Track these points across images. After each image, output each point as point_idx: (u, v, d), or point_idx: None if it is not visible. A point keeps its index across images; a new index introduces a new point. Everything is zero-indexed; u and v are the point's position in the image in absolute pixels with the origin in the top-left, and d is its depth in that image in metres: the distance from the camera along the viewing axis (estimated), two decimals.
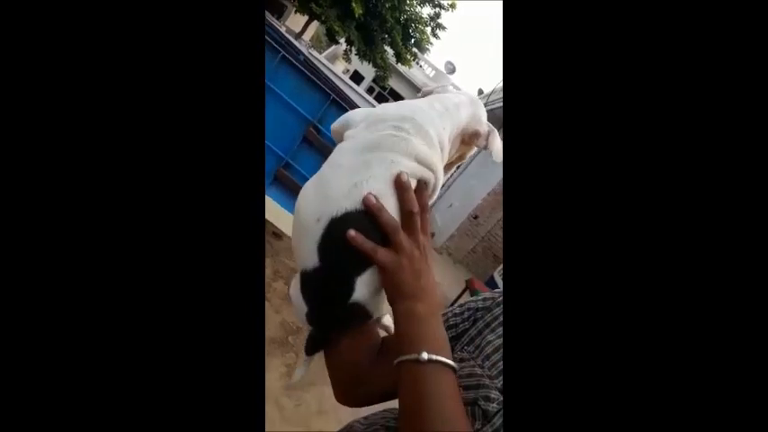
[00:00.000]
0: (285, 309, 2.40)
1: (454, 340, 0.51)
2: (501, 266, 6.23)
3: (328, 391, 0.51)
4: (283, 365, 2.00)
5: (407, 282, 0.41)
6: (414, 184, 0.43)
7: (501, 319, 0.48)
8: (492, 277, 6.03)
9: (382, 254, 0.41)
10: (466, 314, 0.53)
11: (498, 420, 0.39)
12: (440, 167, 0.45)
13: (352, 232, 0.39)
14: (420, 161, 0.43)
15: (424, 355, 0.37)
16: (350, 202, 0.40)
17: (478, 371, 0.44)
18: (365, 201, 0.40)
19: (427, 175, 0.43)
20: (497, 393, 0.41)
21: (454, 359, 0.46)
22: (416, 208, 0.42)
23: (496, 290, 0.53)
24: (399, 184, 0.41)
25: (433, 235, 8.20)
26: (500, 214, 6.79)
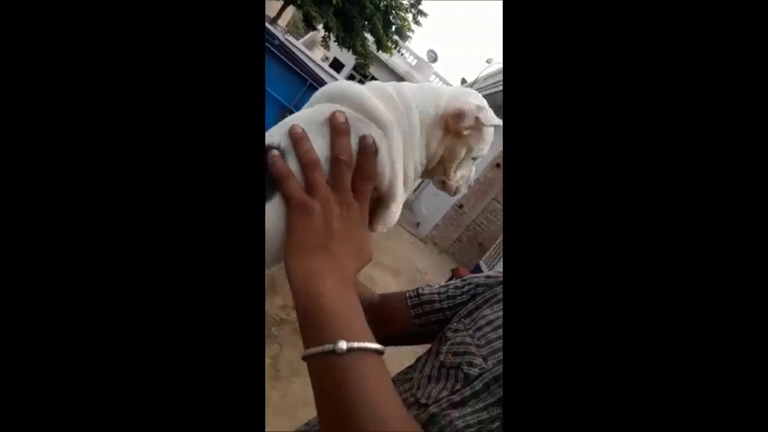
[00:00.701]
0: (268, 300, 2.36)
1: (451, 310, 0.51)
2: (486, 255, 6.30)
3: None
4: (268, 357, 1.98)
5: (312, 233, 0.34)
6: (354, 140, 0.35)
7: (500, 296, 0.47)
8: (478, 266, 6.09)
9: (294, 185, 0.34)
10: (466, 288, 0.52)
11: (478, 384, 0.38)
12: (398, 142, 0.37)
13: (274, 151, 0.34)
14: (369, 116, 0.36)
15: (342, 345, 0.30)
16: (278, 135, 0.35)
17: (468, 340, 0.43)
18: (290, 130, 0.34)
19: (376, 134, 0.36)
20: (481, 360, 0.40)
21: (450, 329, 0.47)
22: (346, 156, 0.34)
23: (500, 270, 0.52)
24: (333, 124, 0.35)
25: (417, 225, 8.26)
26: (485, 203, 6.85)
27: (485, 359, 0.40)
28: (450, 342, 0.45)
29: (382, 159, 0.36)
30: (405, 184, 0.39)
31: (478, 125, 0.38)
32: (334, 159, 0.34)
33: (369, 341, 0.31)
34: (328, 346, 0.30)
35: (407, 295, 0.54)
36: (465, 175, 0.44)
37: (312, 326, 0.32)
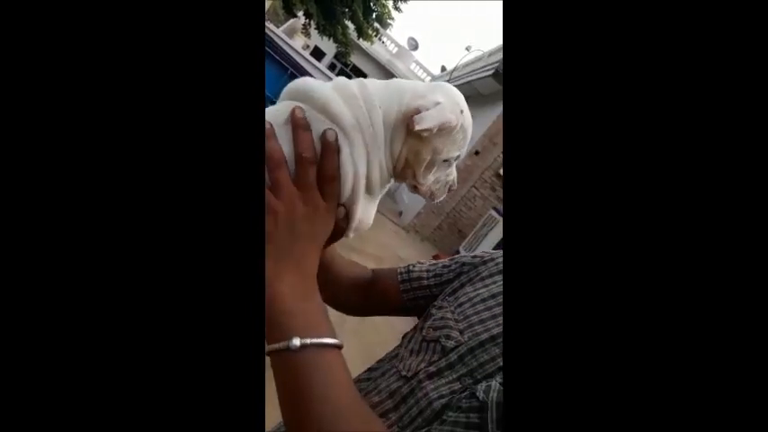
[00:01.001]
0: None
1: (438, 288, 0.53)
2: (465, 241, 6.46)
3: None
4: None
5: (274, 235, 0.34)
6: (317, 139, 0.35)
7: (482, 275, 0.49)
8: (457, 251, 6.27)
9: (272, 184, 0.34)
10: (453, 266, 0.54)
11: (454, 356, 0.41)
12: (359, 144, 0.36)
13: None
14: (331, 117, 0.36)
15: (296, 342, 0.31)
16: None
17: (449, 315, 0.45)
18: None
19: (338, 135, 0.35)
20: (458, 333, 0.42)
21: (435, 306, 0.49)
22: (309, 153, 0.34)
23: (486, 251, 0.54)
24: (293, 120, 0.35)
25: (400, 214, 8.31)
26: (464, 191, 6.97)
27: (461, 333, 0.42)
28: (432, 318, 0.47)
29: (344, 162, 0.36)
30: (370, 187, 0.38)
31: (443, 127, 0.36)
32: (298, 157, 0.34)
33: (326, 337, 0.32)
34: (283, 344, 0.31)
35: (399, 271, 0.56)
36: (440, 178, 0.42)
37: (272, 325, 0.32)
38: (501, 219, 5.69)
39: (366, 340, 2.60)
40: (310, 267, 0.36)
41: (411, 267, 0.57)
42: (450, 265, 0.55)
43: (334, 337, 0.34)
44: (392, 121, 0.37)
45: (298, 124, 0.35)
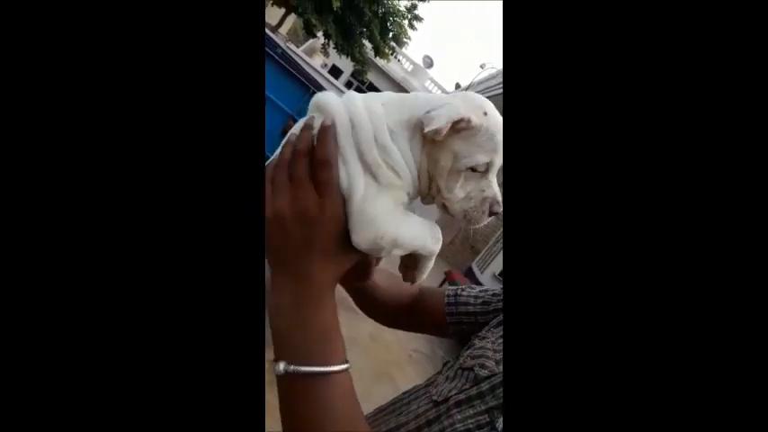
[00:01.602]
0: None
1: (483, 316, 0.52)
2: (478, 257, 6.39)
3: None
4: (268, 362, 2.01)
5: (271, 249, 0.33)
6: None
7: None
8: (470, 268, 6.20)
9: (266, 197, 0.33)
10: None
11: (485, 386, 0.40)
12: (350, 143, 0.34)
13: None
14: (324, 113, 0.35)
15: (281, 367, 0.31)
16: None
17: (488, 345, 0.45)
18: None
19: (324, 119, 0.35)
20: (493, 364, 0.42)
21: (478, 336, 0.48)
22: (302, 145, 0.33)
23: None
24: (303, 124, 0.35)
25: None
26: None
27: (497, 363, 0.41)
28: (473, 347, 0.47)
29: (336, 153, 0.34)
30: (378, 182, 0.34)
31: (459, 126, 0.33)
32: (294, 151, 0.33)
33: (317, 363, 0.31)
34: (272, 365, 0.32)
35: (446, 293, 0.56)
36: (473, 194, 0.36)
37: (272, 341, 0.32)
38: None
39: (378, 358, 2.58)
40: (316, 275, 0.33)
41: (460, 291, 0.56)
42: (499, 294, 0.53)
43: (330, 360, 0.32)
44: (407, 130, 0.35)
45: (304, 126, 0.34)
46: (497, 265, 5.81)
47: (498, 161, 0.36)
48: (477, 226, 0.37)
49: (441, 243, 0.38)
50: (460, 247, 7.13)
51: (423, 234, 0.36)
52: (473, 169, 0.35)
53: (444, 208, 0.37)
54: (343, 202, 0.33)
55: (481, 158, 0.35)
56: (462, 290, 0.56)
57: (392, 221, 0.34)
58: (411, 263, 0.40)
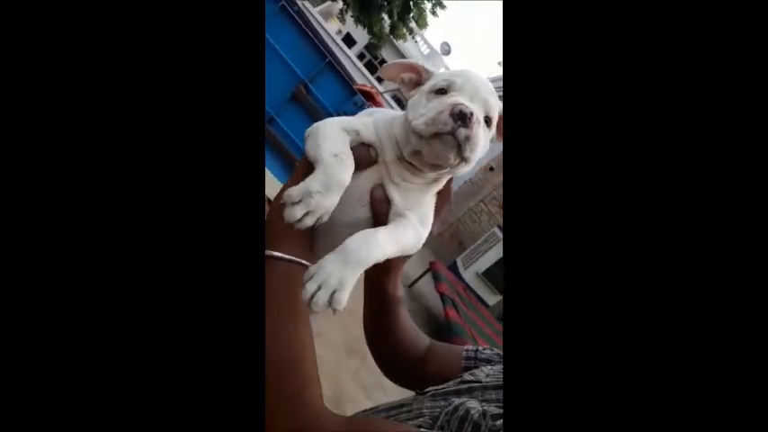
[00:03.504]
0: None
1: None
2: (464, 254, 6.45)
3: None
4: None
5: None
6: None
7: None
8: (455, 262, 6.25)
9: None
10: None
11: (464, 387, 0.42)
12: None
13: None
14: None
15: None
16: None
17: (485, 371, 0.46)
18: None
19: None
20: (483, 375, 0.44)
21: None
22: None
23: None
24: None
25: None
26: (471, 204, 6.98)
27: (486, 376, 0.43)
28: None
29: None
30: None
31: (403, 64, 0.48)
32: None
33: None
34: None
35: (465, 349, 0.54)
36: (438, 108, 0.40)
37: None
38: (502, 238, 5.68)
39: (353, 333, 2.61)
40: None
41: (479, 350, 0.54)
42: None
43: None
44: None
45: None
46: (482, 264, 5.88)
47: (459, 81, 0.41)
48: (445, 132, 0.39)
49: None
50: (449, 241, 7.19)
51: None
52: (434, 92, 0.42)
53: (418, 157, 0.42)
54: None
55: (439, 83, 0.42)
56: (481, 351, 0.54)
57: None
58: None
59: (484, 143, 0.42)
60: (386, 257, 0.39)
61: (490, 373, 0.44)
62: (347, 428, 0.34)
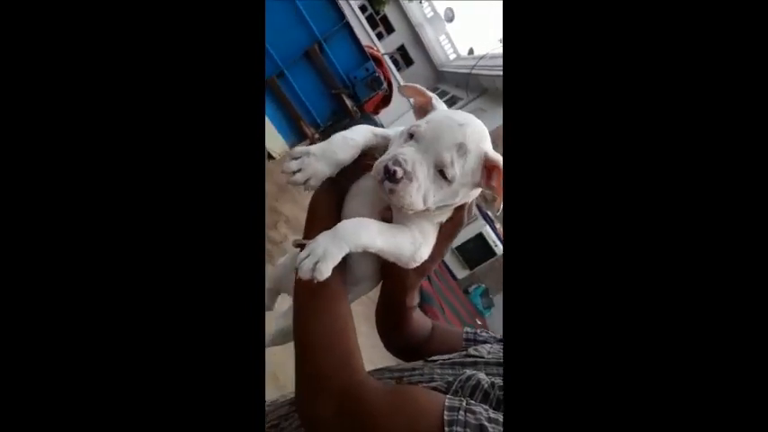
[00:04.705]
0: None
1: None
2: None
3: None
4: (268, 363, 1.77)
5: None
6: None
7: None
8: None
9: None
10: None
11: (468, 360, 0.47)
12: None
13: None
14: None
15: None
16: None
17: (488, 348, 0.51)
18: None
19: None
20: (485, 352, 0.48)
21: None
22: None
23: None
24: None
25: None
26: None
27: (488, 353, 0.47)
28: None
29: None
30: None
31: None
32: None
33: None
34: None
35: (465, 330, 0.59)
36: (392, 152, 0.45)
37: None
38: (480, 216, 5.89)
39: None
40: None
41: (478, 332, 0.59)
42: None
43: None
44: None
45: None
46: (457, 239, 6.02)
47: (423, 130, 0.42)
48: (378, 181, 0.41)
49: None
50: None
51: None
52: (407, 133, 0.44)
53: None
54: None
55: (413, 127, 0.43)
56: (481, 331, 0.59)
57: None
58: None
59: (437, 194, 0.42)
60: (376, 249, 0.41)
61: (491, 351, 0.49)
62: (390, 392, 0.38)
